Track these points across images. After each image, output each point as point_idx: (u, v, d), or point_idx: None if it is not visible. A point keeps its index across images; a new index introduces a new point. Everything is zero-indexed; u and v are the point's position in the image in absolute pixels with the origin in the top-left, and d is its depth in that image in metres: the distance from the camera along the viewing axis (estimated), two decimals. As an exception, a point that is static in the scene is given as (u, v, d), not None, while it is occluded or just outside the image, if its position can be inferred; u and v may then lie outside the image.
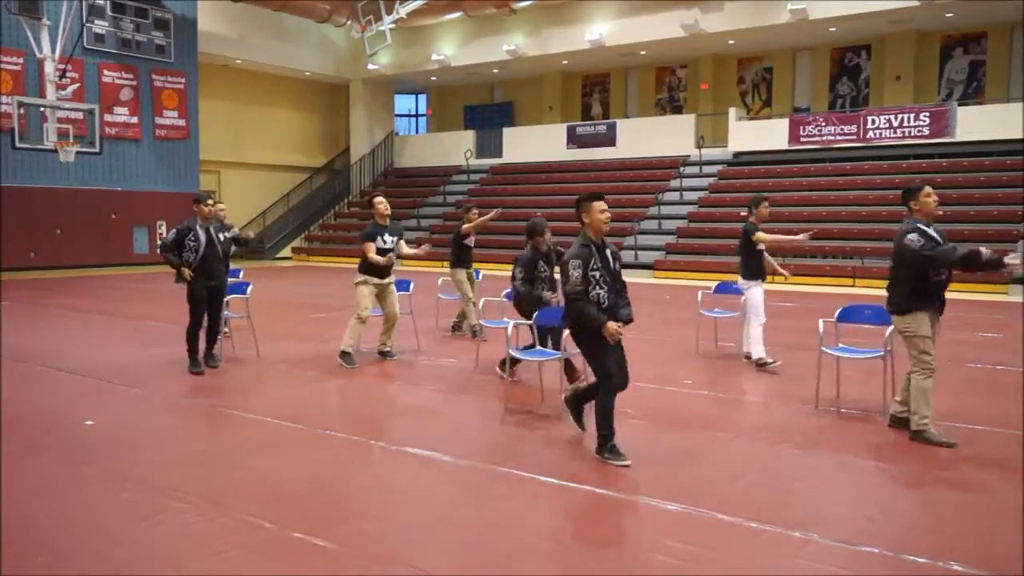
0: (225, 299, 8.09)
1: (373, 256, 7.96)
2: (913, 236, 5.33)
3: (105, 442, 5.45)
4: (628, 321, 5.05)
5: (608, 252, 5.06)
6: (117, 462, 5.00)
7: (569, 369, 6.72)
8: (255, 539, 3.84)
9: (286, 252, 26.79)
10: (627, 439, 5.55)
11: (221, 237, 7.84)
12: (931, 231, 5.38)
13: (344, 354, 8.03)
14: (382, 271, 8.09)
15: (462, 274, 9.73)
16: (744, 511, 4.13)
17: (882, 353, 6.13)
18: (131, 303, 13.94)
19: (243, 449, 5.42)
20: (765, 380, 7.47)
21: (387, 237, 8.10)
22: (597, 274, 4.95)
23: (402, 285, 9.17)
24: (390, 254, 8.12)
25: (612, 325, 4.83)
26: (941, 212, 6.01)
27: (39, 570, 3.49)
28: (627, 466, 4.86)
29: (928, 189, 5.56)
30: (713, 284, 9.15)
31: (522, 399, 6.60)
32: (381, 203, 8.14)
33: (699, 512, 4.14)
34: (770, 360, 7.83)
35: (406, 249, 8.31)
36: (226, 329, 9.22)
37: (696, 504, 4.23)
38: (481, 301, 8.69)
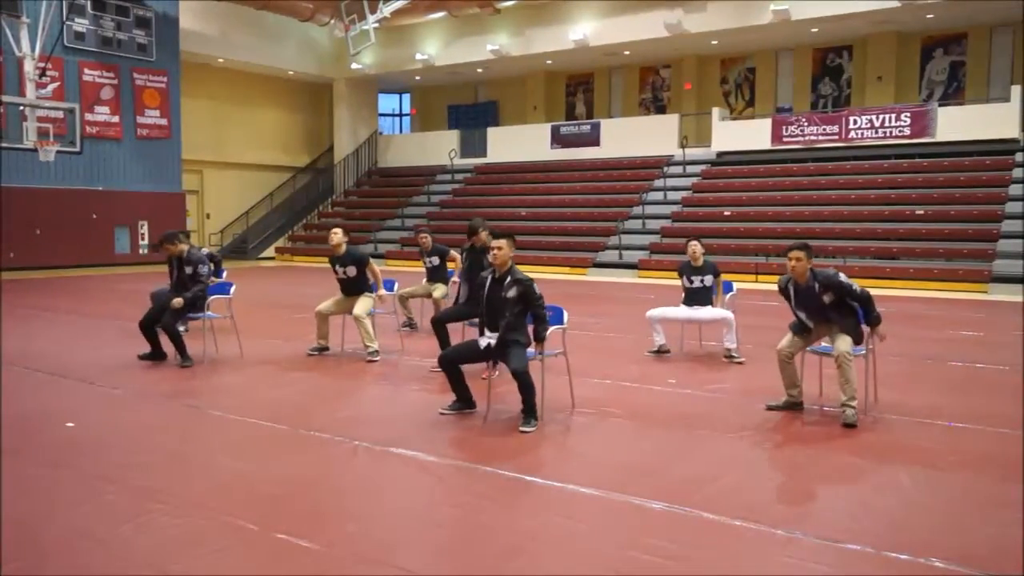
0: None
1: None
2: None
3: (86, 444, 5.40)
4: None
5: (502, 283, 5.92)
6: (98, 464, 4.95)
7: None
8: (238, 540, 3.82)
9: (269, 252, 26.65)
10: (611, 438, 5.57)
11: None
12: (789, 287, 6.18)
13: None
14: (345, 290, 8.54)
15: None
16: (728, 510, 4.14)
17: (864, 351, 6.18)
18: (112, 304, 13.82)
19: (226, 450, 5.38)
20: (749, 379, 7.50)
21: (337, 268, 8.45)
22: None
23: (386, 285, 9.18)
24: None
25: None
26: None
27: (18, 573, 3.45)
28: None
29: (790, 254, 6.06)
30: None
31: (506, 399, 6.59)
32: (333, 234, 8.39)
33: (683, 511, 4.15)
34: (655, 350, 8.69)
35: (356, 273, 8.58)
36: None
37: (680, 503, 4.24)
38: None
